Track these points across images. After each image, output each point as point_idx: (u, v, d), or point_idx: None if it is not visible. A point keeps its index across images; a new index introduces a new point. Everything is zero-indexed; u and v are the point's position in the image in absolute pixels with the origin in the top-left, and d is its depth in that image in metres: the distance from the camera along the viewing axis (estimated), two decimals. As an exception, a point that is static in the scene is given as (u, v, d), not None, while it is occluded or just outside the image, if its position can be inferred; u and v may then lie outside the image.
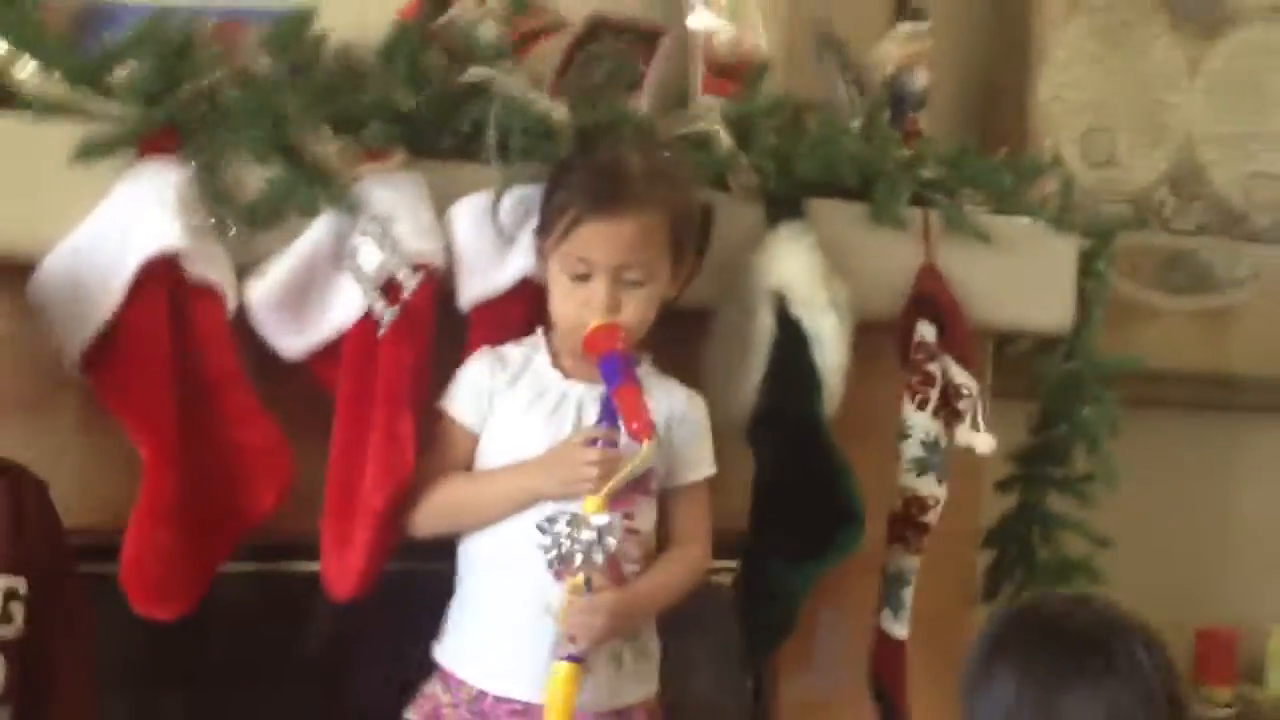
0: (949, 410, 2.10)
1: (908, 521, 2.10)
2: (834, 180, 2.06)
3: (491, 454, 1.75)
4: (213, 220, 1.67)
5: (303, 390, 1.76)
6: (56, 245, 1.64)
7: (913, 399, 2.09)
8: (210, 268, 1.68)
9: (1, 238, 1.63)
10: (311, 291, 1.74)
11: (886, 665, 2.13)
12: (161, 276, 1.65)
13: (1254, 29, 2.99)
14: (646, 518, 1.76)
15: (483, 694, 1.71)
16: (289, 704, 1.98)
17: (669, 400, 1.79)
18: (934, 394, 2.09)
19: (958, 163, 2.21)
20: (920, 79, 2.32)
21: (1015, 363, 2.37)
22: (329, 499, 1.74)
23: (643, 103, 1.98)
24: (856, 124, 2.17)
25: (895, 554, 2.12)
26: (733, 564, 2.03)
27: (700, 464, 1.82)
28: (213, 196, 1.67)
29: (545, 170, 1.79)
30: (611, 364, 1.68)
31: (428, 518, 1.74)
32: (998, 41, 2.78)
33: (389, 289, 1.74)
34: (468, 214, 1.79)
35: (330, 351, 1.76)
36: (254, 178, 1.70)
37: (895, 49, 2.31)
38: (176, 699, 1.96)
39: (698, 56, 2.15)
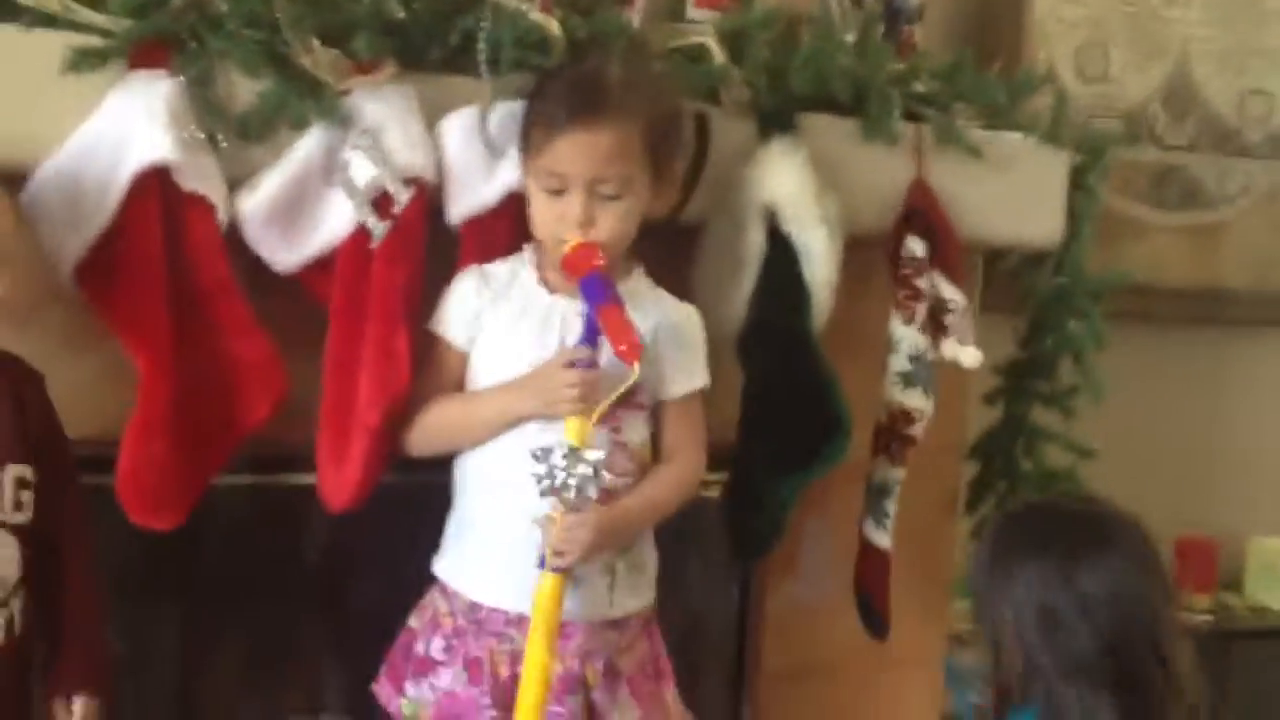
0: (936, 325, 2.12)
1: (893, 434, 2.13)
2: (826, 95, 2.05)
3: (481, 371, 1.75)
4: (204, 133, 1.67)
5: (297, 303, 1.77)
6: (49, 156, 1.63)
7: (900, 313, 2.11)
8: (202, 180, 1.67)
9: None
10: (303, 205, 1.74)
11: (870, 574, 2.16)
12: (154, 189, 1.65)
13: (1253, -58, 2.98)
14: (637, 430, 1.75)
15: (477, 605, 1.73)
16: (288, 614, 2.02)
17: (659, 310, 1.77)
18: (922, 308, 2.10)
19: (951, 77, 2.20)
20: (915, -8, 2.31)
21: (1004, 277, 2.38)
22: (324, 413, 1.75)
23: (635, 15, 1.97)
24: (850, 38, 2.15)
25: (880, 465, 2.14)
26: (722, 477, 2.04)
27: (692, 376, 1.80)
28: (204, 109, 1.67)
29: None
30: (592, 284, 1.66)
31: (421, 438, 1.75)
32: (995, -46, 2.76)
33: (380, 203, 1.74)
34: (458, 128, 1.78)
35: (323, 265, 1.76)
36: (245, 90, 1.70)
37: (891, -40, 2.29)
38: (174, 610, 1.99)
39: (691, -32, 2.14)
